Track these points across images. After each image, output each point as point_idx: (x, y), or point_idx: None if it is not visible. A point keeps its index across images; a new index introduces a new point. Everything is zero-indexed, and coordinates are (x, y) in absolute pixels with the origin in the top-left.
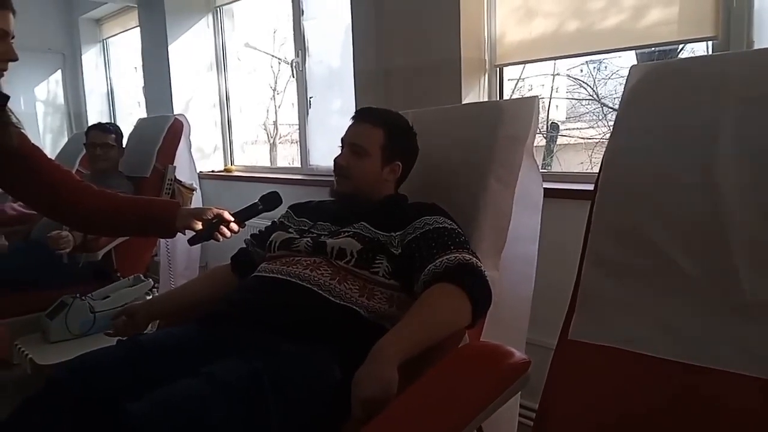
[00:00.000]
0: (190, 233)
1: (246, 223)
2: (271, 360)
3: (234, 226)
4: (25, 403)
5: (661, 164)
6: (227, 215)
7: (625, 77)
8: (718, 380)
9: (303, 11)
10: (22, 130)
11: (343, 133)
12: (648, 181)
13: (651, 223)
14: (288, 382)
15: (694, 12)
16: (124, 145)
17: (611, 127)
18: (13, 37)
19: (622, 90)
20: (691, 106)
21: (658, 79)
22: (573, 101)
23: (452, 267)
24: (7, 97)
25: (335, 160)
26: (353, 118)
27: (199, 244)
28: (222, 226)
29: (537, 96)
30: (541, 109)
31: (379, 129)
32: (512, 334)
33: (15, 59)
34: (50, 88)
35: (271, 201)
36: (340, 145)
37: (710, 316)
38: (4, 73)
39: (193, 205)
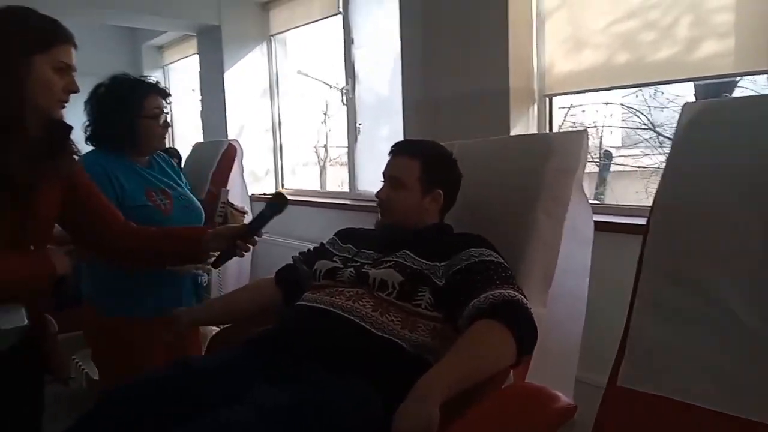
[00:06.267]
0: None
1: (263, 232)
2: (315, 391)
3: (252, 239)
4: (79, 422)
5: (716, 210)
6: (240, 229)
7: (679, 106)
8: None
9: (353, 40)
10: (79, 157)
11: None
12: (703, 225)
13: (706, 269)
14: (330, 413)
15: (751, 44)
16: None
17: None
18: (74, 70)
19: (676, 126)
20: (748, 149)
21: (712, 118)
22: (629, 125)
23: (497, 303)
24: (71, 128)
25: (376, 195)
26: (391, 152)
27: (226, 263)
28: (239, 242)
29: (586, 129)
30: (594, 136)
31: (415, 161)
32: (560, 373)
33: (77, 91)
34: None
35: (278, 204)
36: (382, 179)
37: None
38: (65, 104)
39: None
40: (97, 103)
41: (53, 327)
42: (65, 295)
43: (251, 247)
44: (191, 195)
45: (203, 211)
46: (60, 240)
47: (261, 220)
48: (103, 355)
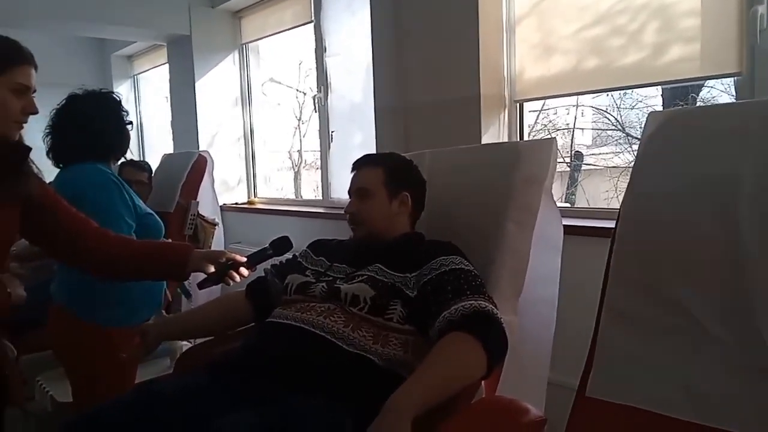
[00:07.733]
0: (201, 275)
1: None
2: (284, 413)
3: (244, 271)
4: None
5: (681, 218)
6: (239, 259)
7: (649, 106)
8: None
9: (326, 48)
10: (43, 179)
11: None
12: (668, 234)
13: (671, 278)
14: None
15: (716, 48)
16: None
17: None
18: (34, 91)
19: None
20: (711, 157)
21: (676, 127)
22: (600, 126)
23: (468, 315)
24: (30, 149)
25: (345, 211)
26: (353, 169)
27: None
28: (232, 270)
29: (554, 138)
30: (565, 136)
31: (377, 168)
32: (532, 380)
33: (35, 113)
34: None
35: (281, 246)
36: (348, 196)
37: (733, 377)
38: (24, 125)
39: (214, 239)
40: (90, 117)
41: (12, 353)
42: (22, 320)
43: (239, 278)
44: None
45: None
46: (25, 257)
47: (260, 256)
48: (84, 366)
